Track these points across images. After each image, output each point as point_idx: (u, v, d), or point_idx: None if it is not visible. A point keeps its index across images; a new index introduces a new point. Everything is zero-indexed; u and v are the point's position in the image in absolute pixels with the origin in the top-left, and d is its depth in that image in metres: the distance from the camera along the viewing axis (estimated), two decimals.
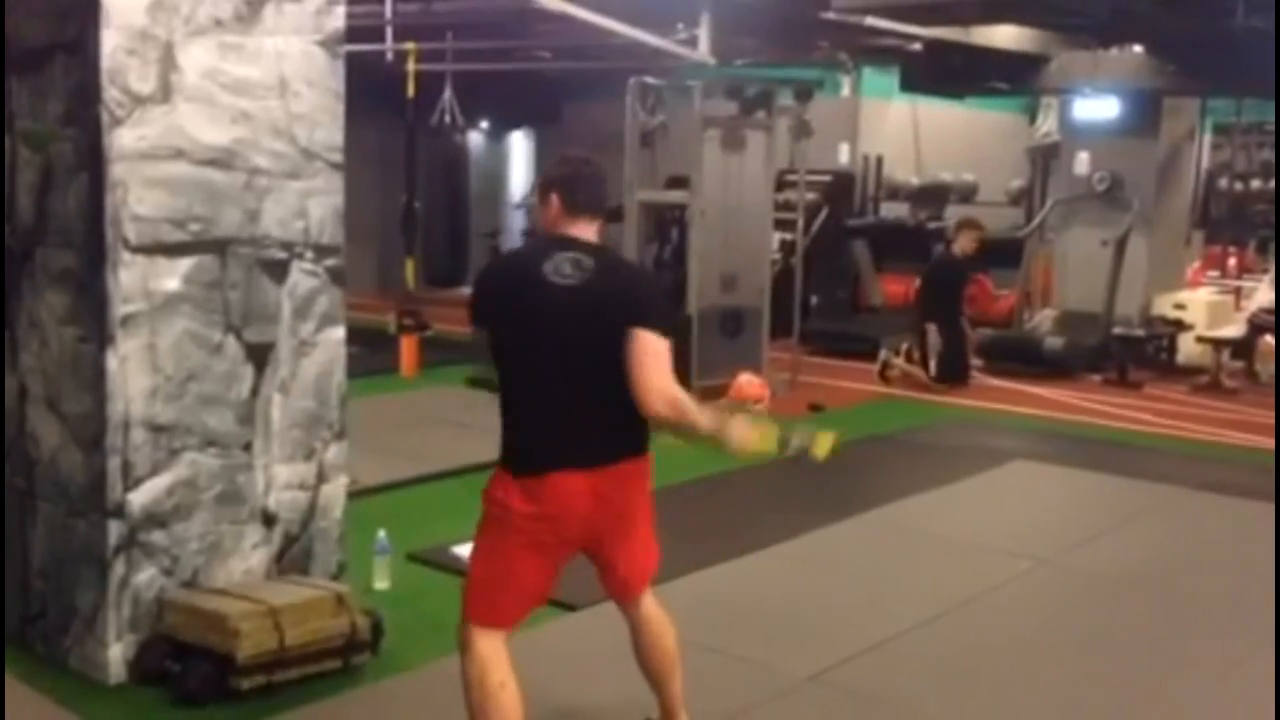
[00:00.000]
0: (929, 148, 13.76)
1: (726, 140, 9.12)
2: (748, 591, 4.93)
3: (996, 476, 7.10)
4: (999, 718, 3.97)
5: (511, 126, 15.89)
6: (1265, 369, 10.34)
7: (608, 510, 3.17)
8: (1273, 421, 8.45)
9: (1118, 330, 10.62)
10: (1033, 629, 4.78)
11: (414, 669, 4.06)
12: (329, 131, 4.20)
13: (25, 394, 4.05)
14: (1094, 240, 10.99)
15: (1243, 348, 10.51)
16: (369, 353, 8.72)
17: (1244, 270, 13.54)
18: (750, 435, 3.16)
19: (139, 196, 3.74)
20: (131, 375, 3.78)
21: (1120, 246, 10.77)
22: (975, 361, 10.35)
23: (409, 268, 10.36)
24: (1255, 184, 14.46)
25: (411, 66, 9.99)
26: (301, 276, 4.17)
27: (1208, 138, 13.42)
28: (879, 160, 13.12)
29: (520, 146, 16.20)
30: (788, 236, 10.53)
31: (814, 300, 11.78)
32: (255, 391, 4.09)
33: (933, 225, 12.46)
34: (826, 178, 12.44)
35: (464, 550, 4.99)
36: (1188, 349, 10.69)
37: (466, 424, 7.24)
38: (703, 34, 9.08)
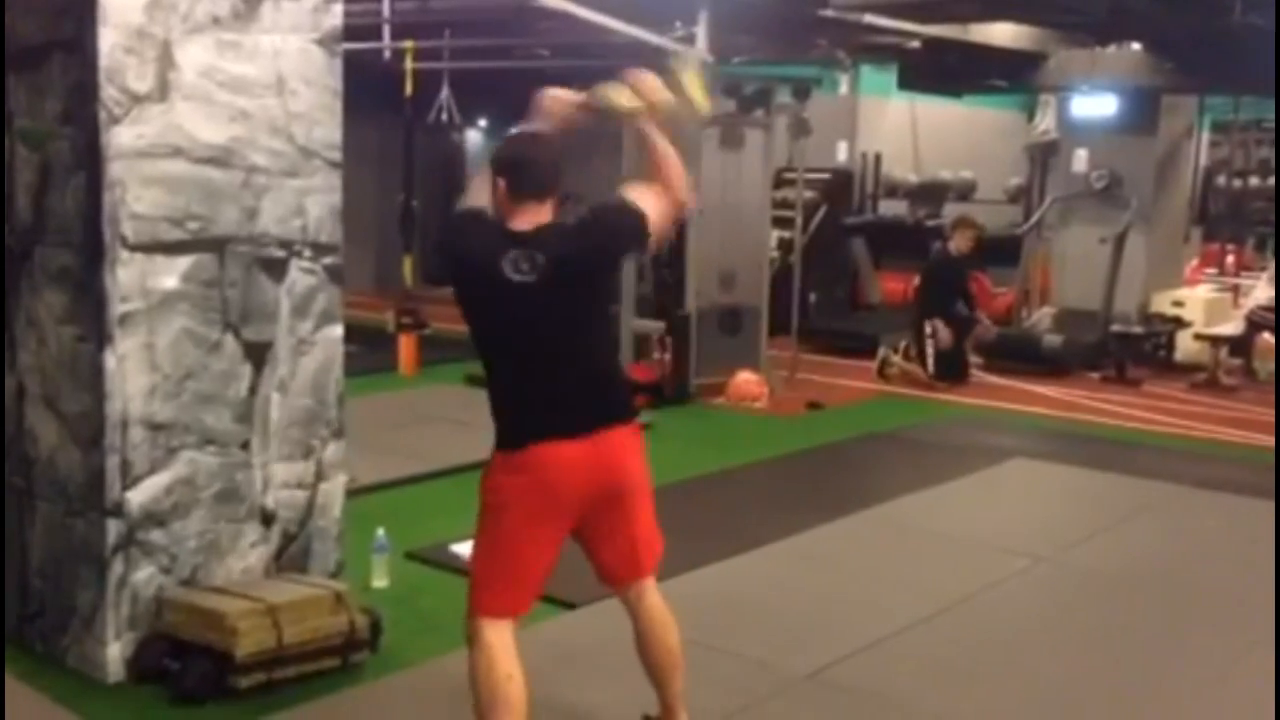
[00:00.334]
0: (927, 145, 13.76)
1: (725, 138, 9.11)
2: (746, 590, 4.93)
3: (995, 474, 7.10)
4: (997, 716, 3.97)
5: (510, 124, 15.85)
6: (1263, 366, 10.35)
7: (606, 478, 3.18)
8: (1271, 419, 8.46)
9: (1116, 328, 10.62)
10: (1031, 627, 4.78)
11: (412, 667, 4.06)
12: (327, 130, 4.19)
13: (23, 393, 4.05)
14: (1092, 238, 10.98)
15: (1241, 345, 10.51)
16: (367, 351, 8.72)
17: (1242, 267, 13.54)
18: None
19: (137, 195, 3.74)
20: (130, 374, 3.78)
21: (1118, 244, 10.78)
22: (974, 359, 10.35)
23: (407, 266, 10.34)
24: (1253, 181, 14.48)
25: (409, 64, 9.98)
26: (300, 275, 4.17)
27: (1206, 135, 13.44)
28: (877, 158, 13.13)
29: None
30: (786, 234, 10.54)
31: (812, 298, 11.77)
32: (253, 390, 4.09)
33: (931, 223, 12.46)
34: (825, 175, 12.45)
35: (463, 548, 5.01)
36: (1186, 346, 10.69)
37: (465, 422, 7.20)
38: (701, 32, 9.07)
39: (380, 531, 4.83)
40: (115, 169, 3.69)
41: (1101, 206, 11.05)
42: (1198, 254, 13.57)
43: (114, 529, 3.81)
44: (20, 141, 3.96)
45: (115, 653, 3.86)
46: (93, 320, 3.77)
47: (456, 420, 7.51)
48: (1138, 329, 10.73)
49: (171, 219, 3.83)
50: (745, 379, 8.94)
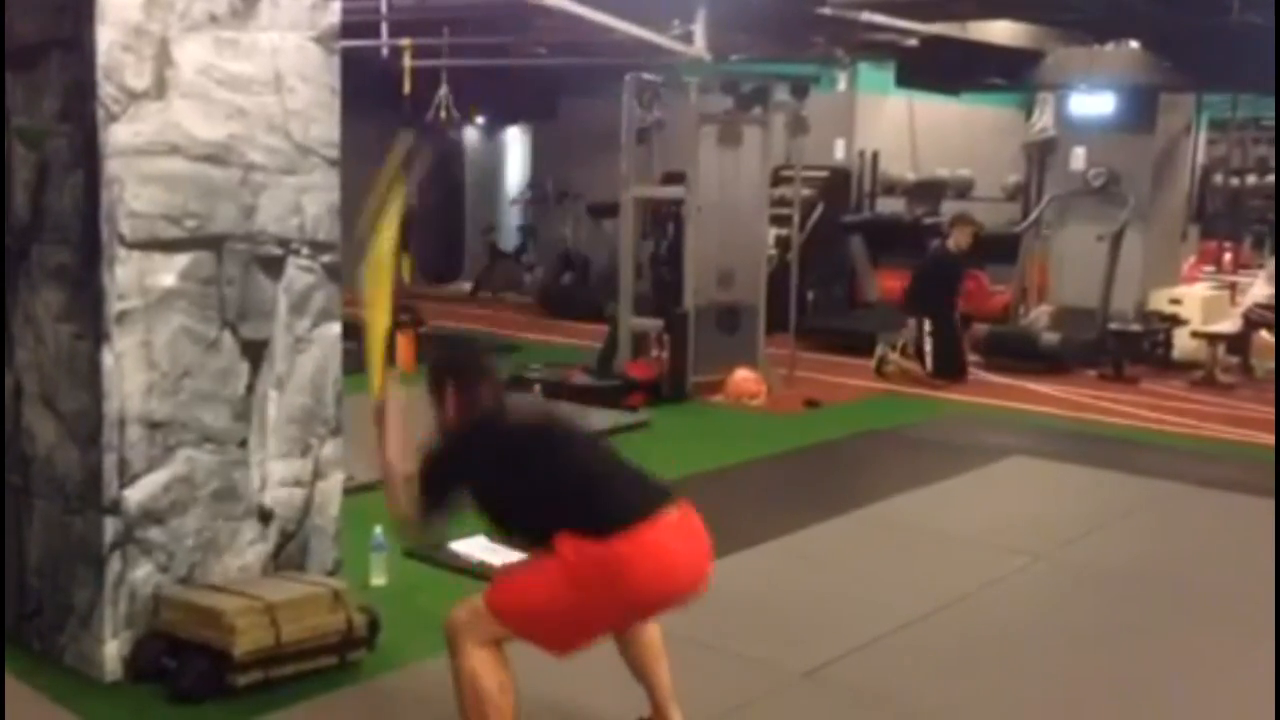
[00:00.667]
0: (925, 143, 13.75)
1: (723, 136, 9.12)
2: (744, 587, 4.92)
3: (992, 472, 7.11)
4: (996, 713, 3.97)
5: (508, 122, 15.88)
6: (1261, 364, 10.36)
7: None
8: (1269, 416, 8.47)
9: (1114, 325, 10.63)
10: (1029, 624, 4.78)
11: (410, 665, 4.06)
12: (325, 127, 4.19)
13: (21, 391, 4.04)
14: (1090, 235, 10.99)
15: (1238, 343, 10.53)
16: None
17: (1239, 265, 13.56)
18: None
19: (135, 193, 3.74)
20: (127, 372, 3.78)
21: (1116, 242, 10.78)
22: (972, 357, 10.36)
23: (405, 264, 10.33)
24: (1251, 179, 14.48)
25: (407, 62, 9.97)
26: (297, 272, 4.17)
27: (1203, 133, 13.43)
28: (875, 156, 13.12)
29: (517, 142, 16.18)
30: (784, 232, 10.53)
31: (810, 296, 11.77)
32: (251, 388, 4.08)
33: (929, 221, 12.45)
34: (823, 173, 12.45)
35: (462, 546, 5.03)
36: (1183, 344, 10.70)
37: None
38: (699, 30, 9.07)
39: (378, 530, 4.82)
40: (113, 167, 3.69)
41: (1099, 204, 11.05)
42: (1195, 252, 13.57)
43: (111, 527, 3.81)
44: (18, 139, 3.95)
45: (113, 651, 3.86)
46: (90, 318, 3.76)
47: None
48: (1135, 327, 10.74)
49: (169, 217, 3.82)
50: (743, 377, 8.94)
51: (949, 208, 12.54)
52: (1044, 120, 12.30)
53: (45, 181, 3.88)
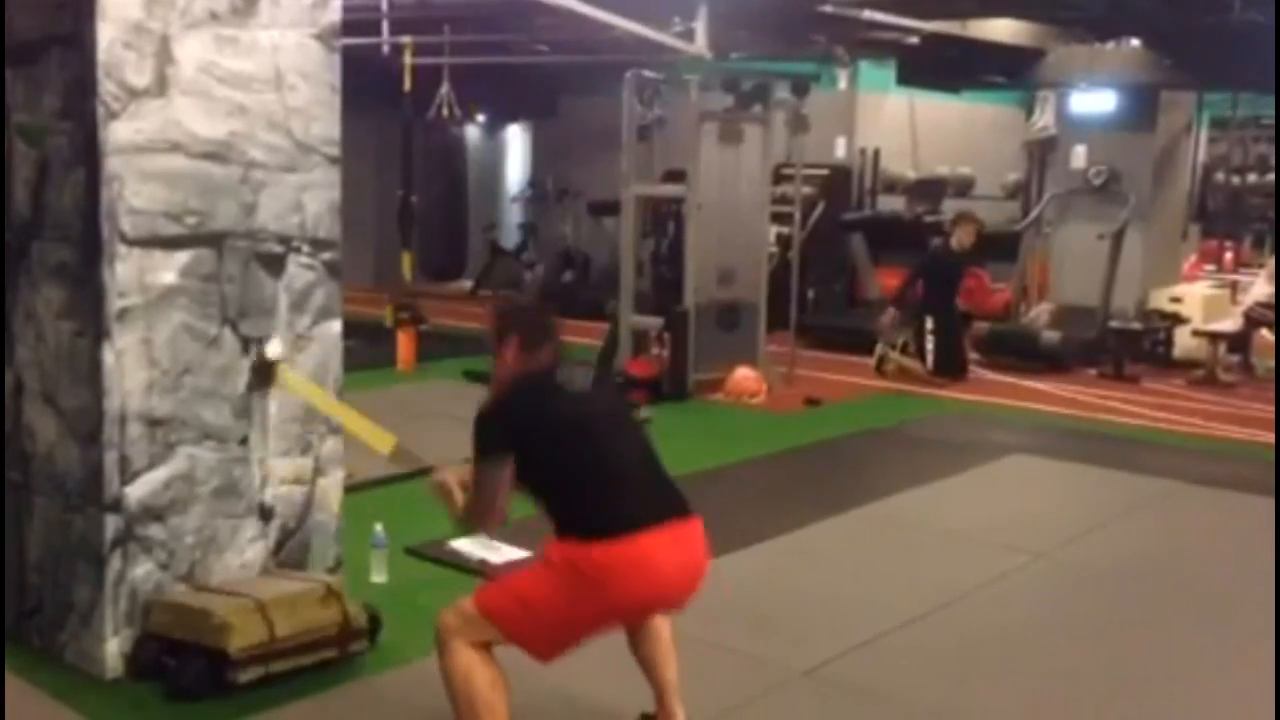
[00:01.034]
0: (926, 141, 13.74)
1: (723, 134, 9.11)
2: (744, 585, 4.92)
3: (993, 470, 7.11)
4: (996, 711, 3.98)
5: (509, 120, 15.88)
6: (1262, 363, 10.36)
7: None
8: (1269, 415, 8.47)
9: (1114, 324, 10.62)
10: (1029, 622, 4.78)
11: (411, 662, 4.05)
12: (325, 125, 4.19)
13: (21, 388, 4.04)
14: (1090, 234, 10.98)
15: (1239, 341, 10.53)
16: (366, 346, 8.71)
17: (1240, 264, 13.54)
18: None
19: (135, 190, 3.74)
20: (128, 369, 3.78)
21: (1117, 240, 10.78)
22: (973, 355, 10.36)
23: (406, 261, 10.34)
24: (1251, 178, 14.46)
25: (408, 60, 9.97)
26: (298, 270, 4.17)
27: (1204, 131, 13.42)
28: (876, 154, 13.11)
29: (517, 140, 16.17)
30: (784, 230, 10.53)
31: (811, 294, 11.78)
32: (252, 385, 4.08)
33: (930, 219, 12.45)
34: (823, 171, 12.44)
35: (462, 545, 5.03)
36: (1184, 343, 10.70)
37: (463, 418, 7.19)
38: (699, 27, 9.07)
39: (379, 527, 4.82)
40: (113, 164, 3.69)
41: (1100, 203, 11.05)
42: (1196, 250, 13.57)
43: (112, 524, 3.81)
44: (18, 137, 3.95)
45: (113, 648, 3.86)
46: (91, 315, 3.76)
47: (455, 416, 7.44)
48: (1136, 325, 10.73)
49: (170, 214, 3.82)
50: (743, 375, 8.94)
51: (950, 206, 12.55)
52: (1045, 118, 12.30)
53: (46, 179, 3.88)
